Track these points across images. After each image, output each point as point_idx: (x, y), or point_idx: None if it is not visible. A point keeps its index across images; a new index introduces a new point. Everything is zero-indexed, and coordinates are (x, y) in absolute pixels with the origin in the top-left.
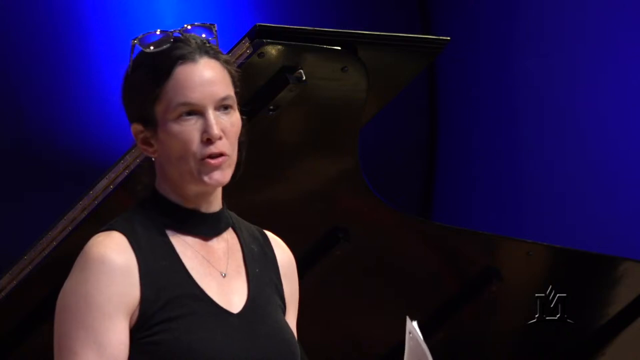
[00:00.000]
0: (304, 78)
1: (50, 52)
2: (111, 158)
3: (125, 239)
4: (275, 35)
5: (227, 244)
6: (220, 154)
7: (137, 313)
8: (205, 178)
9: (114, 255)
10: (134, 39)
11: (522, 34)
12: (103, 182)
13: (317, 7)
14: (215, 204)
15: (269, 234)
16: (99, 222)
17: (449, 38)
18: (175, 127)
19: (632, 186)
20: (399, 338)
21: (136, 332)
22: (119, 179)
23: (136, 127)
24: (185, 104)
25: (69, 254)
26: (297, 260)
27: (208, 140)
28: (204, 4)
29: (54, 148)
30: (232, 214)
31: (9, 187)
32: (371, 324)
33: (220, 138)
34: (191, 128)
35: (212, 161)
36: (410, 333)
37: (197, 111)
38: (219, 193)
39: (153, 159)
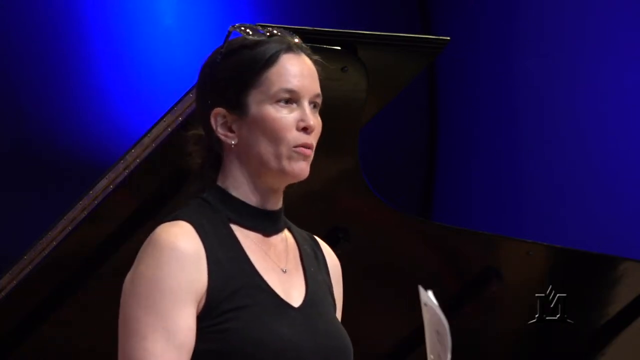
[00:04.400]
0: None
1: (50, 53)
2: (111, 158)
3: (193, 228)
4: None
5: (286, 242)
6: (310, 146)
7: (204, 301)
8: (294, 165)
9: (183, 242)
10: (233, 26)
11: (522, 34)
12: (103, 182)
13: (317, 7)
14: (278, 202)
15: (317, 238)
16: (99, 222)
17: (449, 38)
18: (272, 112)
19: (632, 186)
20: (399, 338)
21: (202, 320)
22: (119, 179)
23: (219, 111)
24: (288, 90)
25: (69, 254)
26: None
27: (304, 129)
28: (204, 4)
29: (54, 148)
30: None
31: (9, 187)
32: (371, 324)
33: (313, 130)
34: (288, 115)
35: (304, 150)
36: (425, 305)
37: (295, 100)
38: (281, 192)
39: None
